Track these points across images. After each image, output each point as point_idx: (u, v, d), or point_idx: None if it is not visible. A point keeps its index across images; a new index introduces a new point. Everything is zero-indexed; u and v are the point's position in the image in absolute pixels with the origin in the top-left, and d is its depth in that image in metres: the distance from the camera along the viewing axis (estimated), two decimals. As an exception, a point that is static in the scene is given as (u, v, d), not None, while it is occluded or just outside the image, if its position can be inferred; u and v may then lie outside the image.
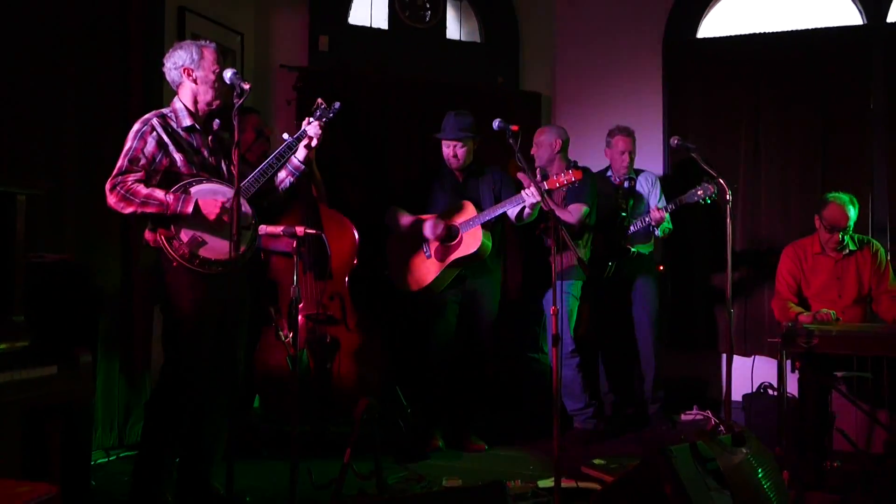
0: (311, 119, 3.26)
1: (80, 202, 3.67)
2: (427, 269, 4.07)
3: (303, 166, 3.29)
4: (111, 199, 2.93)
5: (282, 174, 3.28)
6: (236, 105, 2.74)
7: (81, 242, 3.66)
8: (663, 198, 4.70)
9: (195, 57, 3.04)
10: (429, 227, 4.04)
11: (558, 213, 4.15)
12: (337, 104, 3.31)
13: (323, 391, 3.87)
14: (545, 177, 4.22)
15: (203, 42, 3.09)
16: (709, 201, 4.27)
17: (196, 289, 2.98)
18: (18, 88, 3.39)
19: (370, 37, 5.32)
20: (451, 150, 4.11)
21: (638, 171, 4.74)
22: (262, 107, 4.72)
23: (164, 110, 3.08)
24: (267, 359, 3.90)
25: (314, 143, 3.25)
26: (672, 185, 5.01)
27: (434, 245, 4.09)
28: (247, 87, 2.76)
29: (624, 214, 4.57)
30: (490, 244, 4.04)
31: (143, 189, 2.91)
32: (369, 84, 5.11)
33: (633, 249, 4.54)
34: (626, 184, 4.65)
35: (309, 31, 5.11)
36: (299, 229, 3.05)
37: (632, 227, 4.53)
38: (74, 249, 3.58)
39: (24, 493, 1.92)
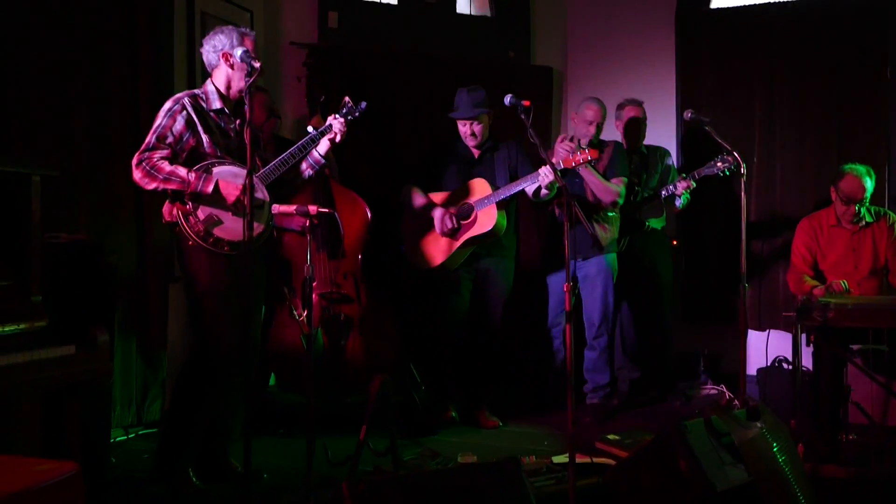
0: (338, 115, 3.31)
1: (92, 182, 3.68)
2: (441, 247, 4.05)
3: (323, 160, 3.34)
4: (136, 174, 2.98)
5: (302, 165, 3.32)
6: (247, 83, 2.75)
7: (95, 223, 3.68)
8: (675, 170, 4.66)
9: (235, 43, 3.07)
10: (438, 221, 4.00)
11: (601, 186, 4.18)
12: (363, 104, 3.38)
13: (337, 369, 3.89)
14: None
15: (244, 29, 3.15)
16: (727, 173, 4.19)
17: (214, 268, 3.02)
18: (27, 70, 3.38)
19: (379, 12, 5.27)
20: (469, 129, 4.07)
21: (648, 147, 4.71)
22: (271, 84, 4.70)
23: (196, 91, 3.14)
24: (281, 337, 3.92)
25: (338, 138, 3.30)
26: (686, 158, 4.97)
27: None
28: (258, 65, 2.77)
29: (638, 189, 4.55)
30: (505, 222, 4.02)
31: (167, 166, 2.97)
32: (379, 60, 5.07)
33: (646, 224, 4.52)
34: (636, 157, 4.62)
35: (318, 7, 5.06)
36: (312, 208, 3.05)
37: (663, 192, 4.48)
38: (88, 230, 3.60)
39: (45, 471, 1.94)
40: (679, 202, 4.47)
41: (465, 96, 4.07)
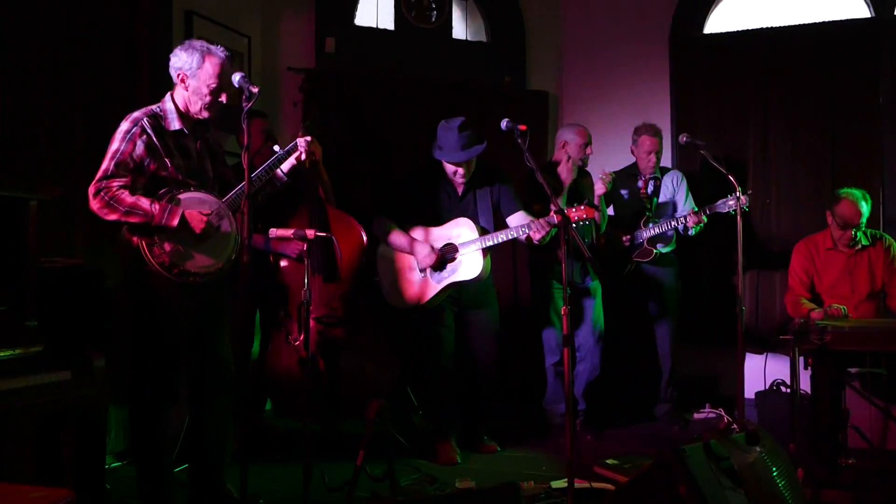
0: (303, 133, 3.26)
1: (88, 207, 3.67)
2: (421, 288, 3.93)
3: (286, 178, 3.23)
4: (94, 204, 2.84)
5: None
6: (245, 109, 2.73)
7: (91, 247, 3.67)
8: (690, 197, 4.67)
9: (194, 65, 2.92)
10: (420, 256, 3.87)
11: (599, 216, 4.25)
12: (328, 117, 3.32)
13: (333, 393, 3.87)
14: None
15: (213, 49, 2.96)
16: (734, 213, 4.00)
17: (169, 294, 2.90)
18: (27, 96, 3.40)
19: (376, 38, 5.33)
20: (458, 170, 3.88)
21: (664, 170, 4.73)
22: (269, 109, 4.72)
23: (154, 108, 2.97)
24: (277, 362, 3.90)
25: (303, 156, 3.21)
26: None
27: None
28: (255, 90, 2.74)
29: (648, 214, 4.56)
30: (489, 266, 3.91)
31: (127, 197, 2.82)
32: (376, 85, 5.11)
33: (655, 251, 4.53)
34: (649, 187, 4.64)
35: (315, 32, 5.12)
36: (310, 232, 3.04)
37: (652, 230, 4.49)
38: (84, 254, 3.59)
39: (40, 498, 1.92)
40: (691, 232, 4.48)
41: (455, 136, 3.81)
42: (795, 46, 5.05)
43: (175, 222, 2.83)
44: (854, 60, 4.93)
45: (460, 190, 3.99)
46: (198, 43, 2.98)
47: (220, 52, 2.97)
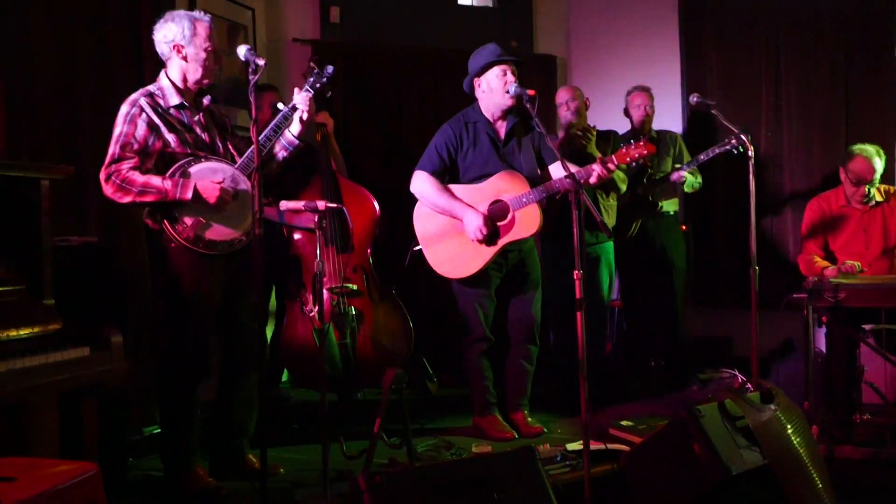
0: (303, 88, 3.17)
1: (99, 185, 3.69)
2: (473, 252, 3.55)
3: (297, 141, 3.17)
4: (107, 190, 2.87)
5: (275, 148, 3.17)
6: (252, 81, 2.70)
7: (104, 225, 3.68)
8: (687, 155, 4.65)
9: (187, 33, 2.93)
10: (471, 228, 3.49)
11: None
12: (330, 68, 3.24)
13: (349, 363, 3.90)
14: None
15: (196, 14, 2.98)
16: (741, 150, 3.94)
17: (197, 269, 2.95)
18: (33, 76, 3.39)
19: (381, 6, 5.27)
20: (508, 76, 3.51)
21: (659, 132, 4.69)
22: (275, 81, 4.70)
23: (151, 87, 2.99)
24: (293, 333, 3.94)
25: (305, 115, 3.14)
26: (695, 144, 4.95)
27: None
28: (262, 62, 2.71)
29: (650, 171, 4.54)
30: (543, 221, 3.53)
31: (139, 177, 2.85)
32: (382, 54, 5.08)
33: (659, 205, 4.51)
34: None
35: (320, 3, 5.08)
36: (321, 203, 3.04)
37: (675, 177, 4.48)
38: (98, 232, 3.61)
39: (64, 472, 1.96)
40: (685, 188, 4.47)
41: (492, 46, 3.56)
42: (807, 2, 4.96)
43: (188, 195, 2.86)
44: (867, 16, 4.84)
45: (502, 135, 3.63)
46: (178, 12, 3.01)
47: (204, 15, 3.00)
